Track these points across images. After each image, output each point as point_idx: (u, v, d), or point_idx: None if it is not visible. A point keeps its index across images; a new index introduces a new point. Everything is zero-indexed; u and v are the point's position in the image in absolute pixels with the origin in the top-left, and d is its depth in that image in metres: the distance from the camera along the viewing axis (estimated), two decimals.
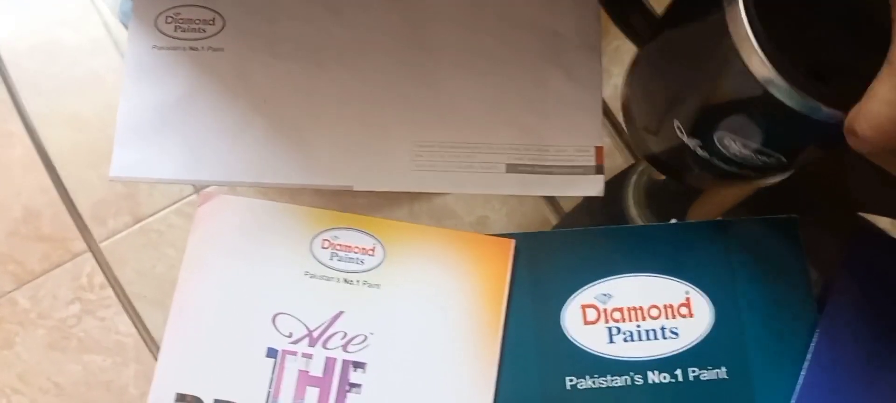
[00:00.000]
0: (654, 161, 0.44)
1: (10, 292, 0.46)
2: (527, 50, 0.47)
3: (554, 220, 0.47)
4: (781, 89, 0.31)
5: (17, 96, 0.48)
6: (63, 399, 0.45)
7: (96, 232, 0.46)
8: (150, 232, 0.46)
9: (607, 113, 0.48)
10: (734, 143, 0.36)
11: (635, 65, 0.43)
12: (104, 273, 0.46)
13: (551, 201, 0.48)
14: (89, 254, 0.46)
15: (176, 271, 0.45)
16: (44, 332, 0.45)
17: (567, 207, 0.48)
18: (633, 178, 0.51)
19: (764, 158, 0.36)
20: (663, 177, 0.48)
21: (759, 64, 0.31)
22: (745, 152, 0.36)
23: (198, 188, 0.46)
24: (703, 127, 0.37)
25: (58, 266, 0.46)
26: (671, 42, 0.39)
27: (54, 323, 0.45)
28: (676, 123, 0.38)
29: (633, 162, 0.49)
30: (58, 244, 0.46)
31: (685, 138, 0.38)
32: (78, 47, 0.49)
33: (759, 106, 0.33)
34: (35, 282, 0.46)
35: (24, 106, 0.48)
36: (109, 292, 0.46)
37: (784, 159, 0.36)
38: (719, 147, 0.37)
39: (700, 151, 0.38)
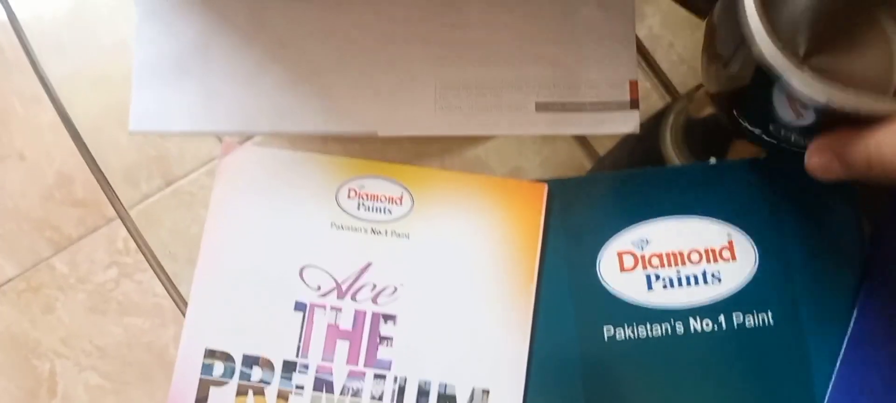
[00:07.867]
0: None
1: (48, 258, 0.46)
2: None
3: (589, 166, 0.45)
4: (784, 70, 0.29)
5: (38, 63, 0.47)
6: (105, 361, 0.45)
7: (129, 195, 0.46)
8: (183, 193, 0.46)
9: (642, 50, 0.46)
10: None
11: None
12: (134, 238, 0.46)
13: (585, 146, 0.45)
14: (124, 218, 0.46)
15: None
16: (84, 296, 0.45)
17: (602, 151, 0.45)
18: (671, 118, 0.49)
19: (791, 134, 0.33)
20: (702, 115, 0.46)
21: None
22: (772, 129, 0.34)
23: (222, 142, 0.45)
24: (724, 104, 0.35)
25: (93, 230, 0.46)
26: None
27: (93, 287, 0.45)
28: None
29: (669, 101, 0.47)
30: (92, 209, 0.46)
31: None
32: (99, 6, 0.48)
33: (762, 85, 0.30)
34: (72, 248, 0.46)
35: (47, 72, 0.47)
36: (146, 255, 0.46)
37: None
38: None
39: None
